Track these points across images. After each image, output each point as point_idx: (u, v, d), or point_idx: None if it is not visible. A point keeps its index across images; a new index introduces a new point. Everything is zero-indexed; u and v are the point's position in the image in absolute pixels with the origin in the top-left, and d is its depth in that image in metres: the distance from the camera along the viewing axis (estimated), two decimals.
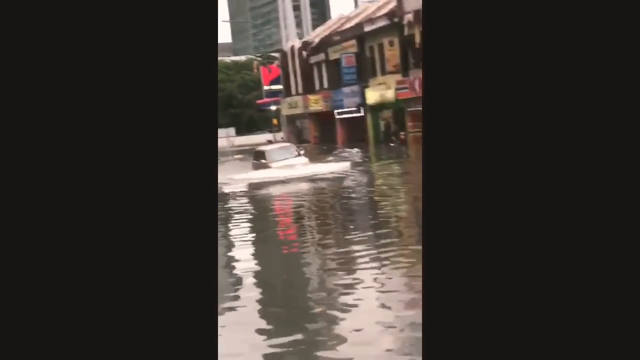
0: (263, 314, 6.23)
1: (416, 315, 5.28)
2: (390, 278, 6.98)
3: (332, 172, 20.91)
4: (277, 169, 21.59)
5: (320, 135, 42.04)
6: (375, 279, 6.91)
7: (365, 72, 35.37)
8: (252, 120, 67.36)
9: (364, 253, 8.43)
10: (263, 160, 23.05)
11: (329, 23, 47.20)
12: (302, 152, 24.32)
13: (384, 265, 7.53)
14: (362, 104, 35.50)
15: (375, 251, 8.48)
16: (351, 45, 36.27)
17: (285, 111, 46.16)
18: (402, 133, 32.01)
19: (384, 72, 33.41)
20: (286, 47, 47.17)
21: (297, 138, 45.72)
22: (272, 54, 58.54)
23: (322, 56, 40.11)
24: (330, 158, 26.82)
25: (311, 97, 40.78)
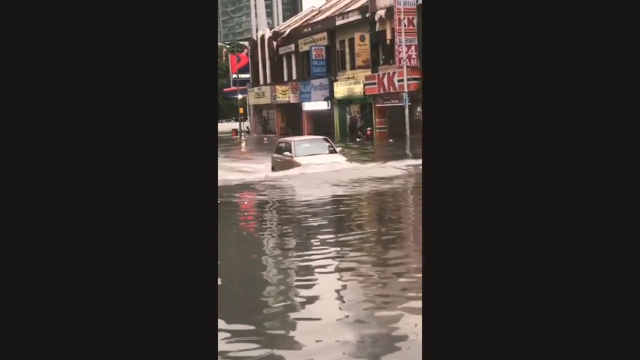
0: None
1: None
2: None
3: None
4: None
5: (286, 126, 41.92)
6: None
7: (334, 65, 35.34)
8: (218, 108, 66.93)
9: None
10: (287, 154, 18.09)
11: (300, 14, 47.06)
12: (338, 149, 19.52)
13: None
14: (330, 97, 35.48)
15: None
16: (322, 38, 36.20)
17: (252, 100, 45.92)
18: (369, 129, 32.08)
19: (353, 67, 33.43)
20: (256, 36, 46.85)
21: (263, 128, 45.50)
22: (242, 43, 58.13)
23: (292, 47, 39.96)
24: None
25: (279, 87, 40.64)
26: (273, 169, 18.92)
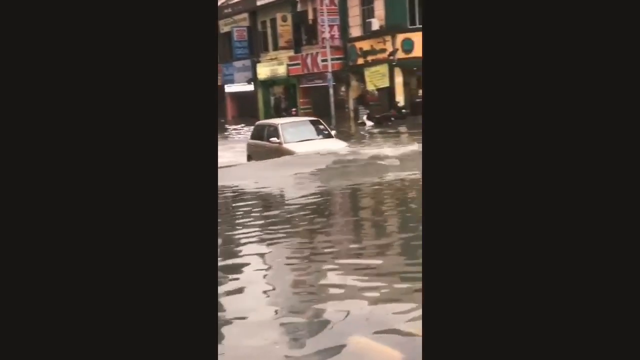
0: None
1: None
2: None
3: None
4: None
5: None
6: None
7: (257, 46, 35.06)
8: None
9: None
10: (274, 140, 14.63)
11: None
12: (334, 132, 15.95)
13: None
14: (253, 78, 35.22)
15: None
16: (243, 19, 35.81)
17: None
18: (293, 109, 32.06)
19: (276, 48, 33.27)
20: None
21: None
22: None
23: None
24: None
25: None
26: (249, 157, 16.05)
